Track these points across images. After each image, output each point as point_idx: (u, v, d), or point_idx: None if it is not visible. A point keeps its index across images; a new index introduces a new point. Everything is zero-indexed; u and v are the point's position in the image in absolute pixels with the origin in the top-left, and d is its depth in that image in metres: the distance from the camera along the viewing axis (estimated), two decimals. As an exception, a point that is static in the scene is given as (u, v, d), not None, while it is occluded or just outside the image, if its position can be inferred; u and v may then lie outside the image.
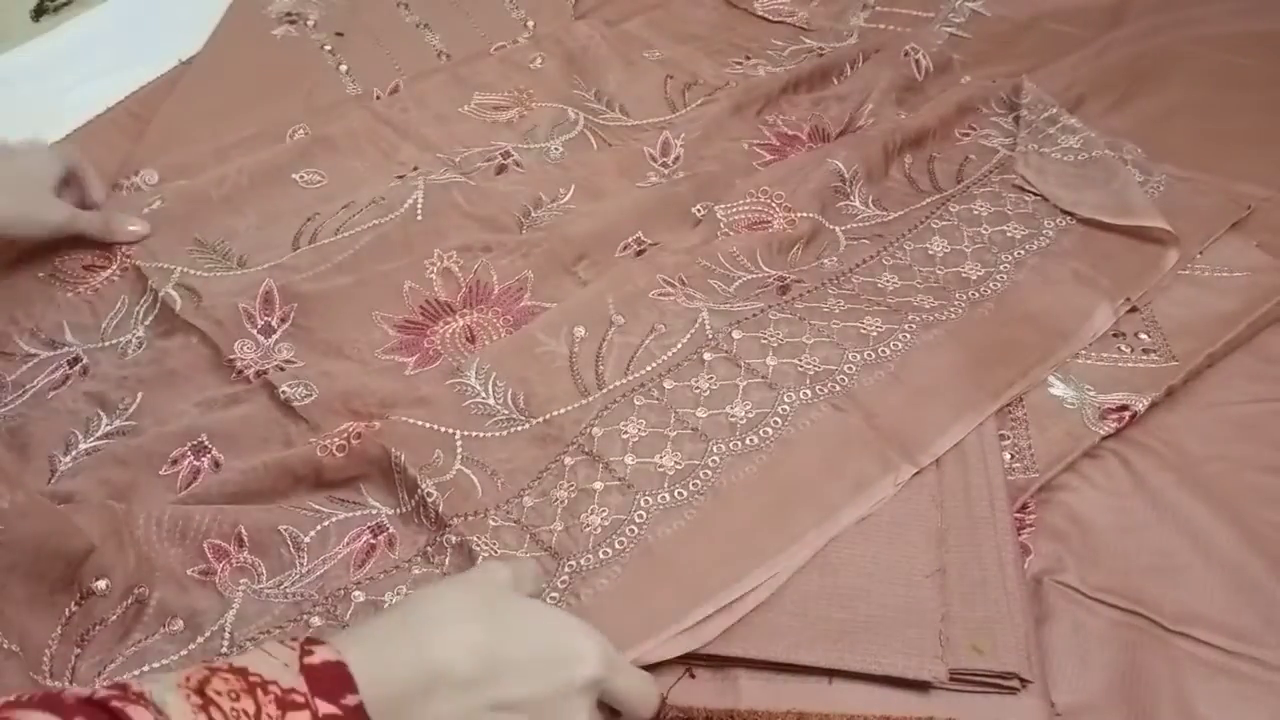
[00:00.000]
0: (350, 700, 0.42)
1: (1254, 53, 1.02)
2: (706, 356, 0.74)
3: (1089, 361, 0.75)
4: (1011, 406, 0.72)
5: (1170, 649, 0.61)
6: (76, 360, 0.79)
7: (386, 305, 0.81)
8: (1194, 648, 0.61)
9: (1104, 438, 0.71)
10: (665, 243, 0.85)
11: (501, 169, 0.93)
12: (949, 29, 1.09)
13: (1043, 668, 0.59)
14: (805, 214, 0.85)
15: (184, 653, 0.60)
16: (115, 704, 0.38)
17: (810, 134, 0.96)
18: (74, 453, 0.73)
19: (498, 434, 0.70)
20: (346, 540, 0.66)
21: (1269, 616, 0.62)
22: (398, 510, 0.67)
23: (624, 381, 0.73)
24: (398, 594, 0.63)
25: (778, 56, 1.07)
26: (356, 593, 0.63)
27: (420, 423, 0.70)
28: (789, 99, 1.00)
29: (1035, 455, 0.70)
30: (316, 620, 0.62)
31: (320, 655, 0.44)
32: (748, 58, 1.07)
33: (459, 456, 0.69)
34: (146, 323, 0.81)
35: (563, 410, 0.71)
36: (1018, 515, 0.67)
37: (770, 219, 0.85)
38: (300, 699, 0.41)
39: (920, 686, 0.58)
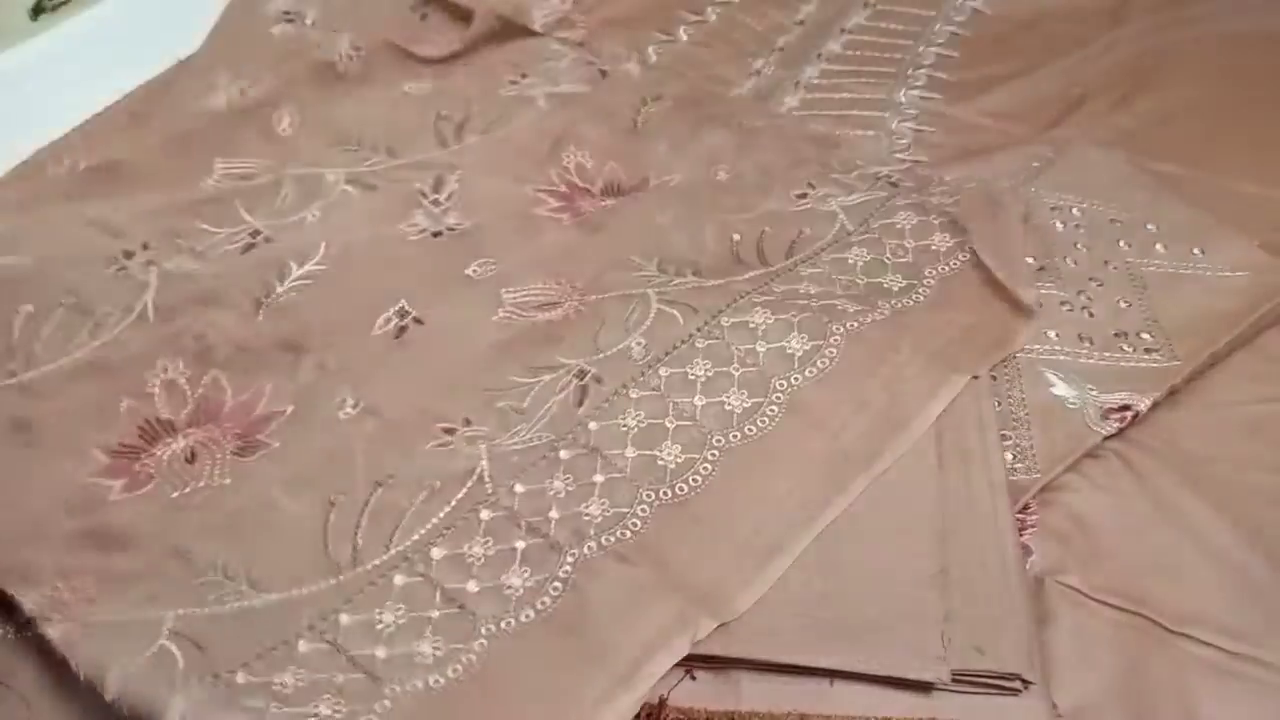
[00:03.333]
0: None
1: (1257, 51, 1.02)
2: (484, 515, 0.65)
3: (1091, 361, 0.75)
4: (1013, 407, 0.72)
5: (1172, 649, 0.61)
6: None
7: (101, 429, 0.71)
8: (1195, 648, 0.61)
9: (1106, 438, 0.71)
10: (433, 342, 0.76)
11: (249, 248, 0.84)
12: (950, 27, 1.09)
13: (1044, 668, 0.59)
14: (601, 295, 0.78)
15: None
16: None
17: (604, 189, 0.90)
18: None
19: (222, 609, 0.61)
20: None
21: (1270, 617, 0.62)
22: None
23: (385, 558, 0.63)
24: None
25: (555, 69, 1.01)
26: None
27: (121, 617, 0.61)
28: (586, 135, 0.93)
29: (1037, 455, 0.69)
30: None
31: None
32: (523, 76, 1.00)
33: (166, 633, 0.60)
34: None
35: (304, 590, 0.62)
36: (1019, 516, 0.67)
37: (560, 302, 0.78)
38: None
39: (922, 687, 0.58)
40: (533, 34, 1.04)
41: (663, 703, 0.58)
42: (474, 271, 0.81)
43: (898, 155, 0.95)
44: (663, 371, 0.72)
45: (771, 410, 0.69)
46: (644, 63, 1.04)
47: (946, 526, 0.64)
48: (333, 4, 1.12)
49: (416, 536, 0.64)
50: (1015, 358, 0.75)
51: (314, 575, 0.62)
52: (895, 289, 0.78)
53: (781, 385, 0.70)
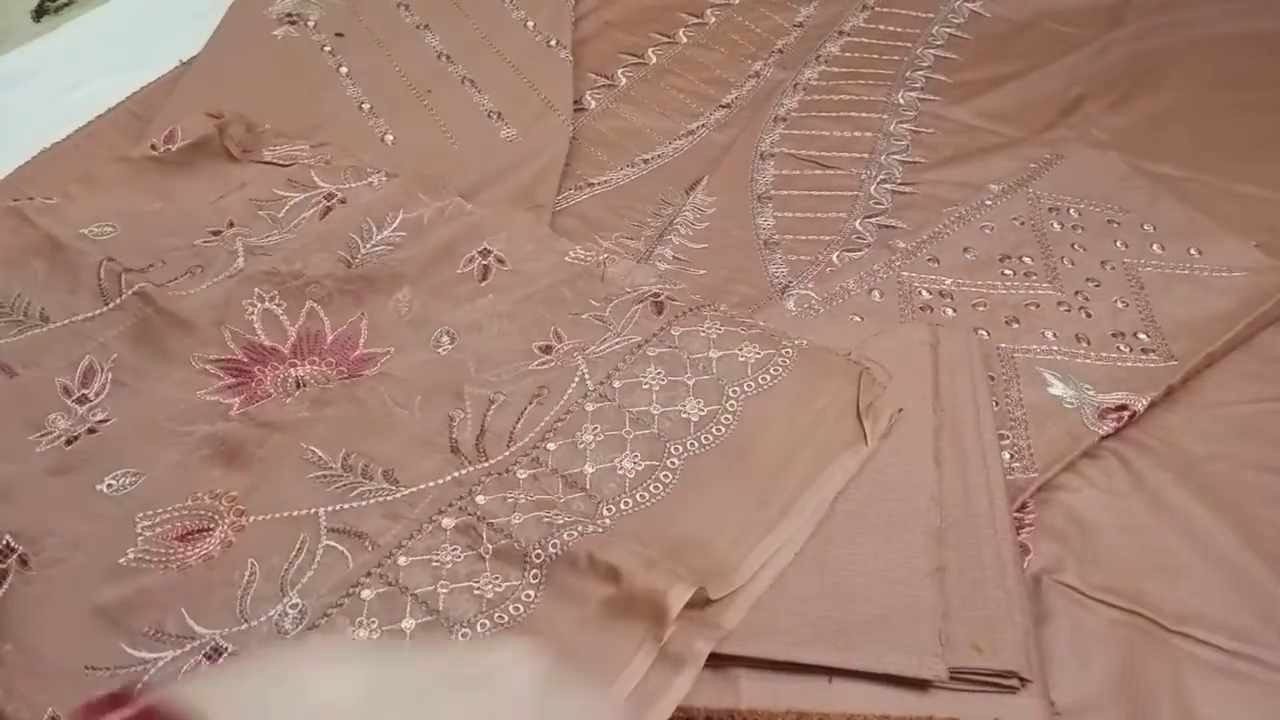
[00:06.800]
0: None
1: (1254, 53, 1.03)
2: None
3: (1088, 361, 0.75)
4: (1011, 406, 0.72)
5: (1169, 648, 0.61)
6: None
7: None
8: (1193, 647, 0.61)
9: (1103, 437, 0.71)
10: None
11: None
12: (948, 29, 1.09)
13: (1042, 667, 0.59)
14: (261, 515, 0.64)
15: None
16: None
17: (297, 347, 0.75)
18: None
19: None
20: None
21: (1268, 616, 0.62)
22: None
23: None
24: None
25: (272, 219, 0.86)
26: None
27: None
28: (280, 274, 0.79)
29: (1034, 455, 0.70)
30: None
31: None
32: (229, 225, 0.85)
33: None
34: None
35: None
36: (1017, 515, 0.67)
37: (211, 528, 0.64)
38: None
39: (920, 685, 0.58)
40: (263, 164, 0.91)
41: (661, 700, 0.58)
42: (108, 487, 0.66)
43: (895, 157, 0.96)
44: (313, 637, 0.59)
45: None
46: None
47: (944, 525, 0.64)
48: (334, 7, 1.13)
49: None
50: (1013, 358, 0.76)
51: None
52: (631, 476, 0.65)
53: (464, 633, 0.59)
